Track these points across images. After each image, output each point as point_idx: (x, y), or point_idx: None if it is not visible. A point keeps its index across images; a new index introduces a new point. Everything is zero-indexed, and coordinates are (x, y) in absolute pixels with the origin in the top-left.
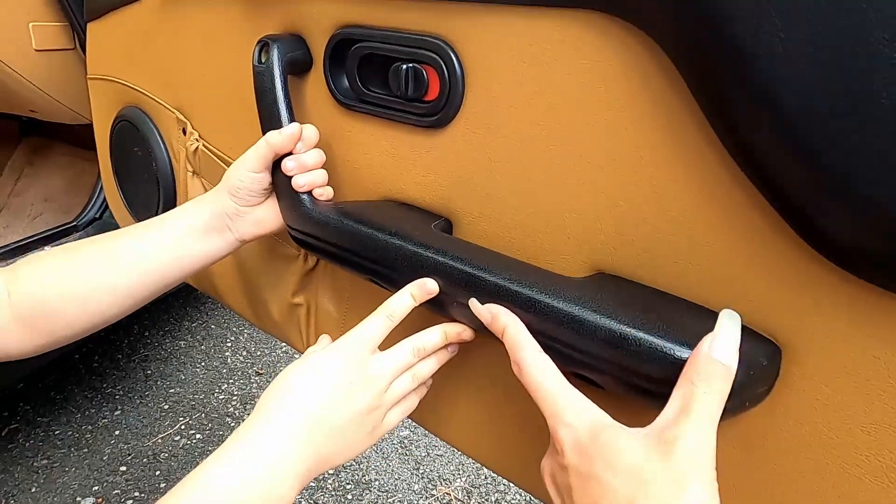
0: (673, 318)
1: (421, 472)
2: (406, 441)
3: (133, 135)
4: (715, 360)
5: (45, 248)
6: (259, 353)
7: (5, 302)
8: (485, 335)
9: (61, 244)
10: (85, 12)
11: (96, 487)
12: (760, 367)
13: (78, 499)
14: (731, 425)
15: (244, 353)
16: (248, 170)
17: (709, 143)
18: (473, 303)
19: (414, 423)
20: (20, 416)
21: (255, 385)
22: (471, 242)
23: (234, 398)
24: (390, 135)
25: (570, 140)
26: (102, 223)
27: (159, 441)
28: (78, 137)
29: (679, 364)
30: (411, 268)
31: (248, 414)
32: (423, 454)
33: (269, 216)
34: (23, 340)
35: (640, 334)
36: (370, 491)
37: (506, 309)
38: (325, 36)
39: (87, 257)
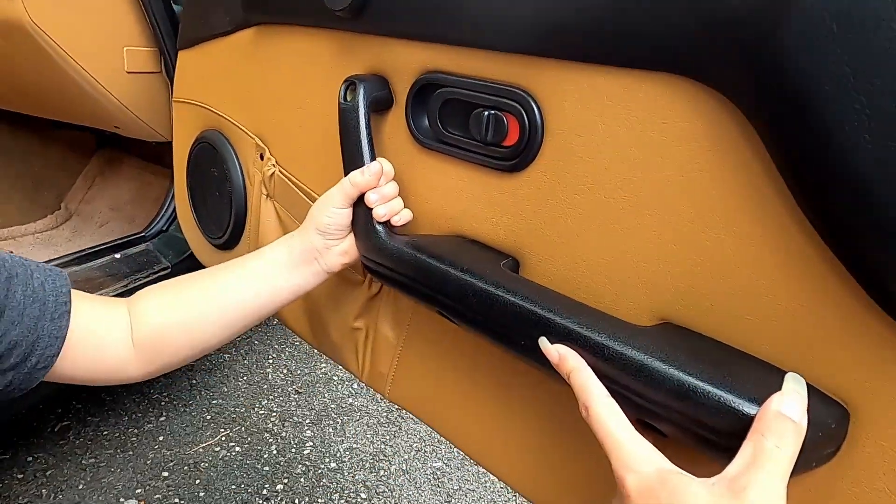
0: (740, 373)
1: None
2: (438, 472)
3: (211, 156)
4: (786, 416)
5: (116, 255)
6: (299, 371)
7: (128, 333)
8: (549, 374)
9: (129, 252)
10: (178, 41)
11: (139, 490)
12: (828, 428)
13: (121, 499)
14: (795, 483)
15: (285, 371)
16: (334, 207)
17: (787, 207)
18: (543, 341)
19: (447, 456)
20: (72, 413)
21: (293, 403)
22: (539, 284)
23: (274, 414)
24: (465, 174)
25: (646, 194)
26: (168, 235)
27: (200, 450)
28: (147, 152)
29: (747, 420)
30: (481, 304)
31: (287, 431)
32: (456, 487)
33: (353, 247)
34: (138, 367)
35: (709, 387)
36: None
37: (574, 352)
38: (409, 79)
39: (199, 292)
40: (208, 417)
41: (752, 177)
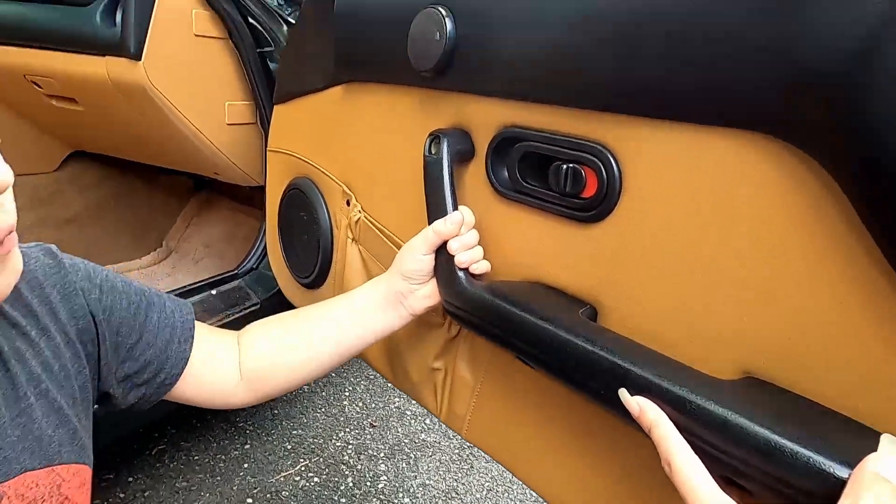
0: (830, 432)
1: None
2: None
3: (302, 201)
4: (882, 477)
5: (212, 291)
6: (374, 405)
7: (238, 362)
8: (630, 424)
9: (223, 289)
10: (274, 97)
11: None
12: None
13: None
14: None
15: (360, 404)
16: (419, 254)
17: (875, 264)
18: (623, 393)
19: (520, 497)
20: (167, 439)
21: (368, 437)
22: (619, 334)
23: (350, 447)
24: (543, 223)
25: (724, 249)
26: (258, 273)
27: (282, 479)
28: (238, 195)
29: (838, 482)
30: (561, 352)
31: (363, 464)
32: None
33: (436, 291)
34: (244, 394)
35: (797, 447)
36: None
37: (654, 405)
38: (489, 133)
39: (301, 330)
40: (289, 447)
41: (836, 234)
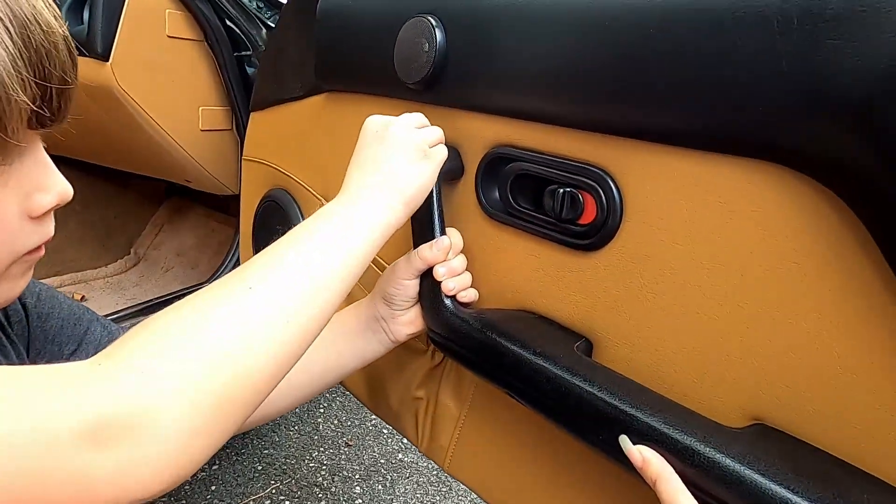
0: (851, 490)
1: None
2: None
3: (278, 214)
4: None
5: None
6: (350, 422)
7: None
8: (630, 473)
9: None
10: (251, 103)
11: None
12: None
13: None
14: None
15: (335, 422)
16: (402, 279)
17: None
18: (624, 441)
19: None
20: None
21: (343, 456)
22: (618, 373)
23: (324, 468)
24: (536, 249)
25: (734, 283)
26: None
27: (251, 502)
28: (212, 202)
29: None
30: (555, 391)
31: (337, 486)
32: None
33: (419, 317)
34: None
35: None
36: None
37: (659, 456)
38: (479, 151)
39: None
40: (259, 468)
41: (856, 271)
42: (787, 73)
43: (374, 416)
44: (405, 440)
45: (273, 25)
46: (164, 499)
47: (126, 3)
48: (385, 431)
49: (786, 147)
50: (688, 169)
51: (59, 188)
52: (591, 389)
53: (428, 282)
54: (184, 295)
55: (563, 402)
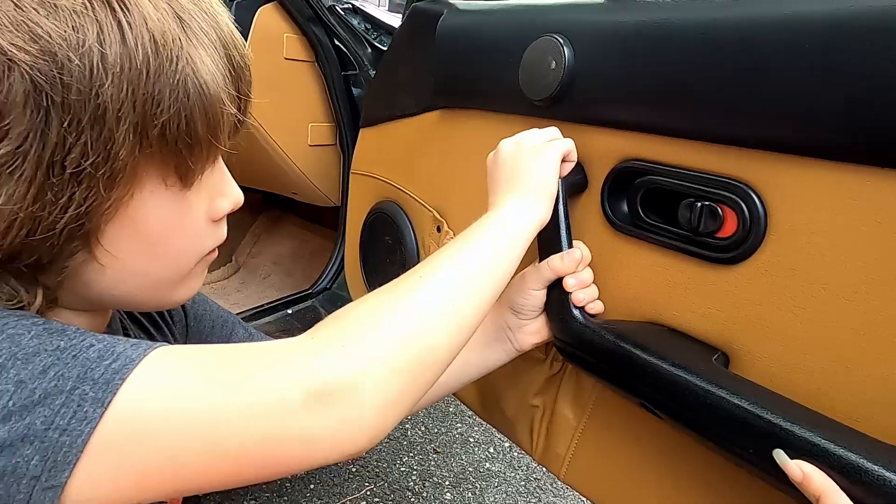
0: None
1: None
2: None
3: (387, 225)
4: None
5: (288, 310)
6: (436, 430)
7: None
8: (781, 488)
9: (298, 308)
10: (361, 120)
11: None
12: None
13: None
14: None
15: (423, 429)
16: (531, 288)
17: None
18: (780, 454)
19: None
20: None
21: (432, 463)
22: (766, 387)
23: (415, 473)
24: (665, 262)
25: (891, 300)
26: (331, 293)
27: (347, 502)
28: (306, 213)
29: None
30: (698, 403)
31: (428, 492)
32: None
33: (544, 327)
34: None
35: None
36: None
37: (821, 472)
38: (606, 165)
39: None
40: (353, 470)
41: None
42: None
43: (459, 424)
44: (491, 449)
45: (378, 45)
46: (267, 494)
47: (252, 29)
48: (471, 440)
49: None
50: (841, 182)
51: (235, 194)
52: (739, 402)
53: (556, 292)
54: (290, 301)
55: (707, 415)
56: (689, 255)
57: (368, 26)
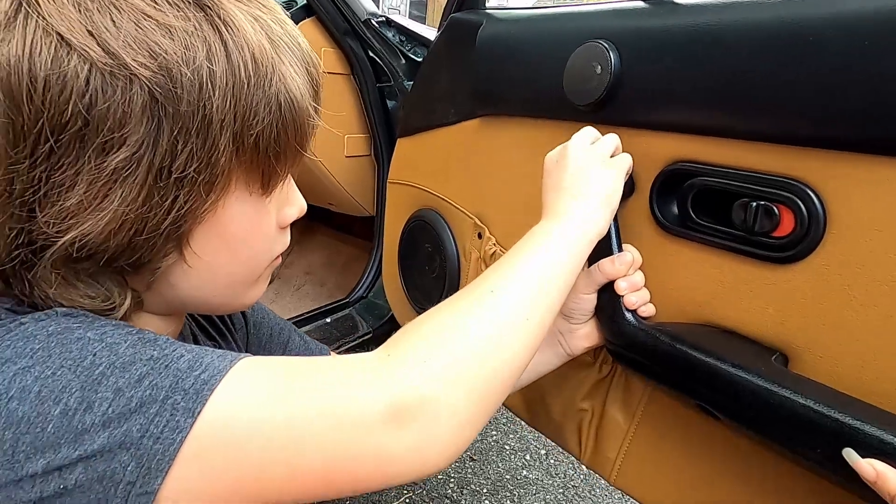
0: None
1: None
2: None
3: (427, 233)
4: None
5: (327, 319)
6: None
7: None
8: (855, 491)
9: (336, 316)
10: (399, 130)
11: None
12: None
13: None
14: None
15: None
16: (582, 293)
17: None
18: (850, 453)
19: None
20: None
21: (469, 471)
22: (831, 387)
23: (452, 480)
24: (718, 263)
25: None
26: (368, 301)
27: None
28: (335, 223)
29: None
30: (761, 404)
31: (466, 499)
32: None
33: (595, 331)
34: None
35: None
36: None
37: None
38: (654, 168)
39: None
40: None
41: None
42: None
43: (494, 432)
44: (528, 457)
45: (413, 56)
46: None
47: None
48: (507, 448)
49: None
50: None
51: (300, 203)
52: (805, 402)
53: (607, 296)
54: (329, 310)
55: (770, 415)
56: (744, 255)
57: (403, 38)
